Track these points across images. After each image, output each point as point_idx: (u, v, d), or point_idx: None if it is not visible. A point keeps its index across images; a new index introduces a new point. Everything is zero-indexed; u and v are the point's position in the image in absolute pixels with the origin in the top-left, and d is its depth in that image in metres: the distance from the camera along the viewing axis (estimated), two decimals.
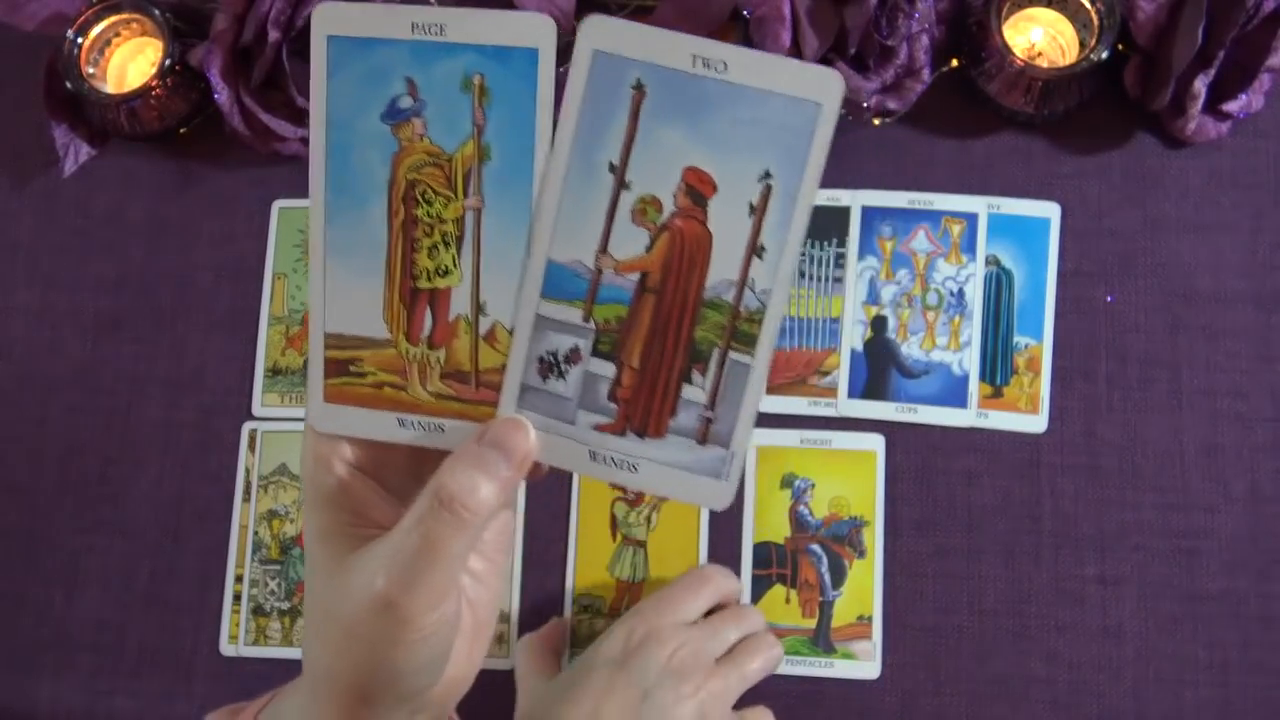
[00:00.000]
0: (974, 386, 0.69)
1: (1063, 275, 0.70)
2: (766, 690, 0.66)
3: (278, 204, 0.74)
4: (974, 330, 0.69)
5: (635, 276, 0.38)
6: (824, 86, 0.36)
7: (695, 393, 0.38)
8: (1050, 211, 0.70)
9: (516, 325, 0.38)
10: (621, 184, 0.37)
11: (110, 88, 0.74)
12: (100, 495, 0.72)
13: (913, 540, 0.67)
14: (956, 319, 0.69)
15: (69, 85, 0.72)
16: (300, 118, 0.72)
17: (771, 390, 0.69)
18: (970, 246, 0.70)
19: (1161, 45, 0.67)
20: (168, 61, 0.72)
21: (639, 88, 0.36)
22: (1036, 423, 0.68)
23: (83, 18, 0.72)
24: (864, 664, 0.66)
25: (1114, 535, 0.67)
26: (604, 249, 0.37)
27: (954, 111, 0.72)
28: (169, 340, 0.73)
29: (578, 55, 0.37)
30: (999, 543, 0.67)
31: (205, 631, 0.69)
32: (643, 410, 0.38)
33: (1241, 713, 0.64)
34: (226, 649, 0.69)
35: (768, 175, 0.36)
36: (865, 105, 0.69)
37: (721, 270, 0.37)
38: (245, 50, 0.71)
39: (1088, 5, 0.69)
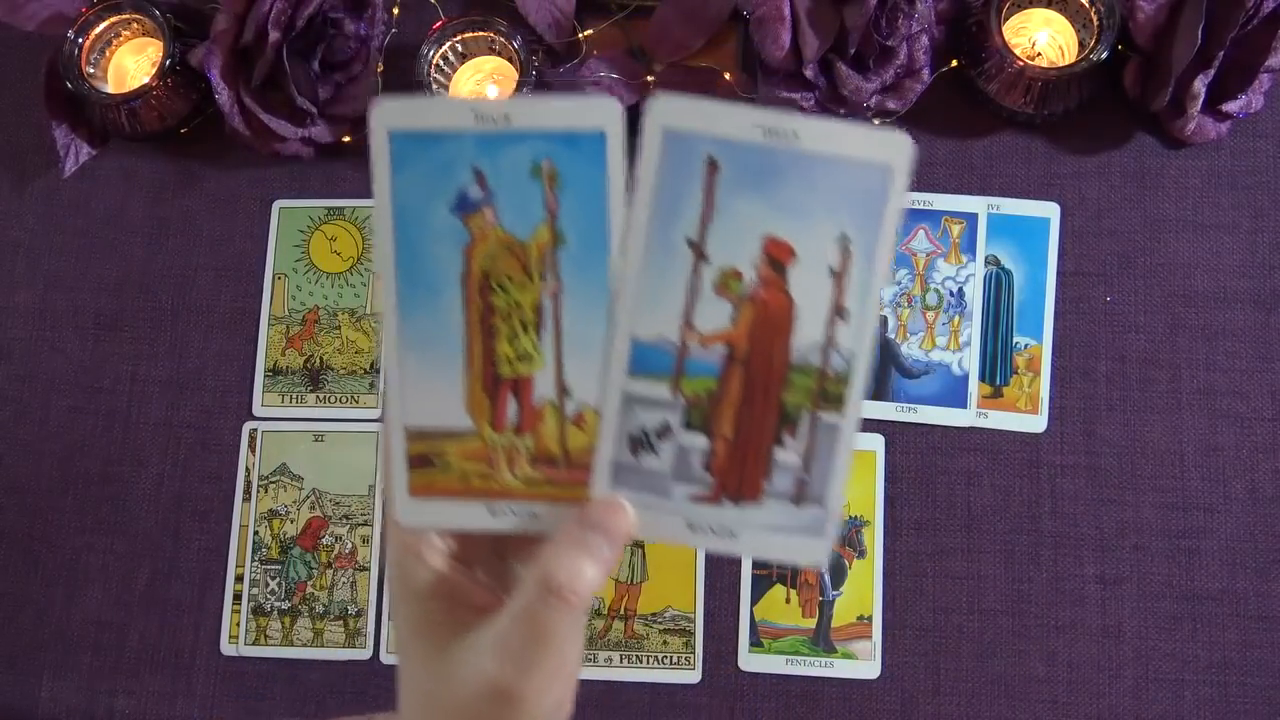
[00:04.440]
0: (974, 386, 0.69)
1: (1062, 275, 0.70)
2: (767, 689, 0.66)
3: (278, 204, 0.74)
4: (974, 330, 0.69)
5: (721, 348, 0.38)
6: (893, 149, 0.36)
7: (788, 456, 0.38)
8: (1050, 211, 0.70)
9: (604, 405, 0.38)
10: (700, 258, 0.37)
11: (110, 88, 0.74)
12: (100, 495, 0.72)
13: (912, 540, 0.67)
14: (956, 319, 0.69)
15: (69, 85, 0.72)
16: (300, 118, 0.72)
17: None
18: (970, 246, 0.70)
19: (1161, 46, 0.67)
20: (168, 61, 0.72)
21: (711, 163, 0.37)
22: (1036, 423, 0.68)
23: (83, 18, 0.72)
24: (864, 664, 0.66)
25: (1113, 535, 0.67)
26: (688, 323, 0.38)
27: (954, 111, 0.72)
28: (169, 340, 0.73)
29: (648, 135, 0.37)
30: (999, 542, 0.67)
31: (205, 631, 0.69)
32: (738, 478, 0.38)
33: (1241, 713, 0.64)
34: (226, 649, 0.69)
35: (845, 239, 0.37)
36: (865, 105, 0.69)
37: (806, 335, 0.37)
38: (245, 50, 0.71)
39: (1088, 5, 0.69)
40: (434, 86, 0.71)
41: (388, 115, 0.37)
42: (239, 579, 0.70)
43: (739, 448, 0.38)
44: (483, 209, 0.37)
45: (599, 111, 0.37)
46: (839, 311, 0.37)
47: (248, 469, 0.71)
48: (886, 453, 0.68)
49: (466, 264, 0.38)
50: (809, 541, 0.38)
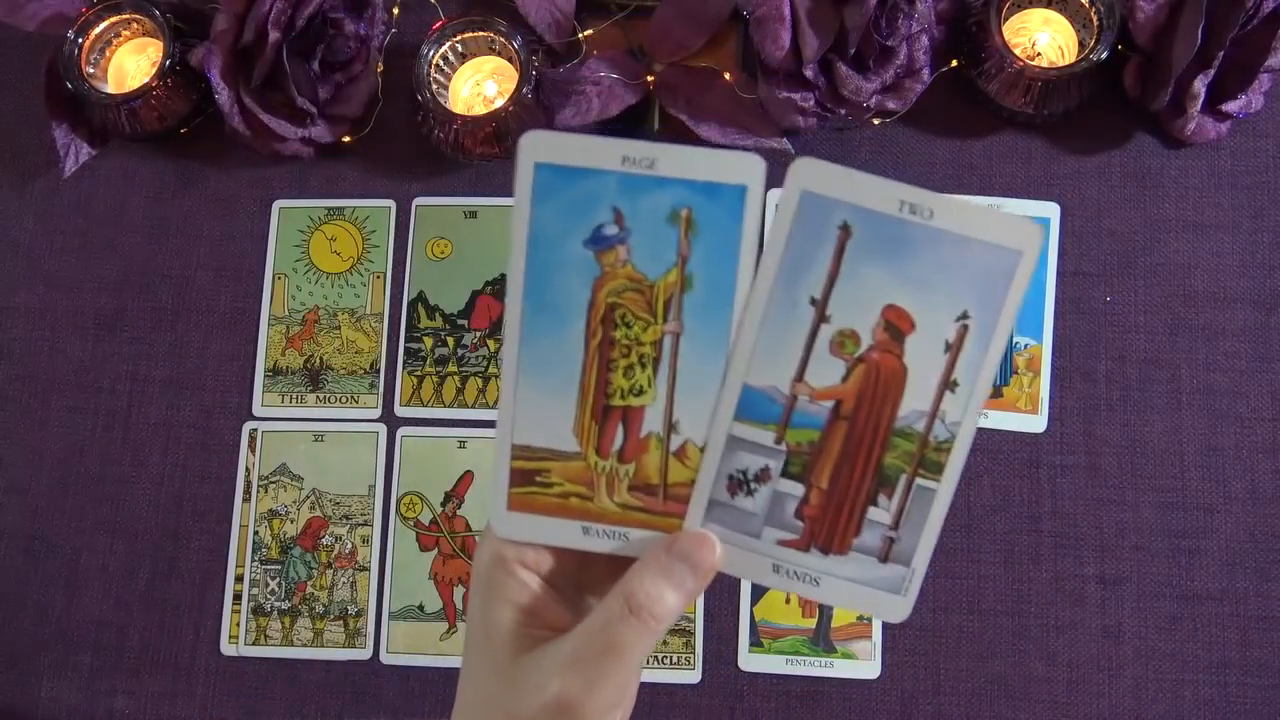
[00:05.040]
0: None
1: (1063, 275, 0.70)
2: (767, 689, 0.66)
3: (278, 204, 0.74)
4: None
5: (829, 404, 0.39)
6: (1027, 237, 0.37)
7: (880, 514, 0.39)
8: (1050, 211, 0.70)
9: (709, 444, 0.39)
10: (822, 317, 0.39)
11: (110, 88, 0.74)
12: (100, 495, 0.72)
13: None
14: None
15: (69, 85, 0.72)
16: (300, 118, 0.72)
17: None
18: None
19: (1161, 46, 0.67)
20: (168, 61, 0.72)
21: (845, 228, 0.38)
22: (1036, 423, 0.68)
23: (83, 18, 0.72)
24: (864, 664, 0.66)
25: (1113, 535, 0.67)
26: (800, 377, 0.39)
27: (954, 111, 0.72)
28: (169, 340, 0.73)
29: (787, 194, 0.38)
30: (999, 542, 0.67)
31: (205, 631, 0.69)
32: (828, 529, 0.40)
33: (1241, 713, 0.64)
34: (226, 649, 0.69)
35: (965, 316, 0.38)
36: (865, 105, 0.69)
37: (914, 402, 0.39)
38: (245, 50, 0.71)
39: (1088, 5, 0.69)
40: (434, 86, 0.71)
41: (536, 147, 0.39)
42: (239, 579, 0.70)
43: (833, 500, 0.39)
44: (616, 246, 0.39)
45: (744, 167, 0.38)
46: (949, 384, 0.38)
47: (248, 469, 0.71)
48: None
49: (593, 296, 0.39)
50: (889, 598, 0.40)
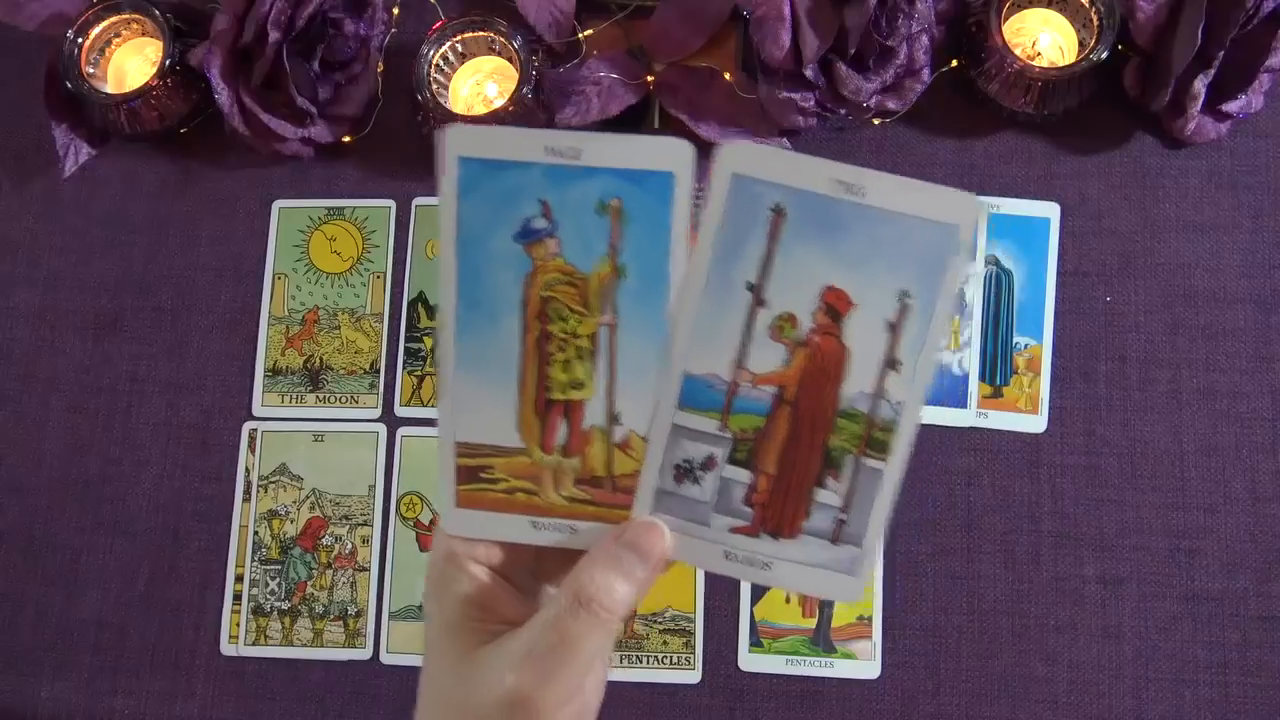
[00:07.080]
0: (974, 386, 0.69)
1: (1062, 275, 0.70)
2: (767, 689, 0.66)
3: (278, 204, 0.74)
4: (974, 330, 0.69)
5: (771, 389, 0.39)
6: (962, 210, 0.37)
7: (829, 497, 0.39)
8: (1050, 211, 0.70)
9: (652, 434, 0.39)
10: (759, 302, 0.38)
11: (110, 88, 0.74)
12: (100, 495, 0.72)
13: (912, 540, 0.67)
14: (956, 319, 0.69)
15: (69, 85, 0.72)
16: (300, 118, 0.72)
17: None
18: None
19: (1161, 46, 0.67)
20: (168, 61, 0.72)
21: (778, 210, 0.37)
22: (1036, 423, 0.68)
23: (83, 18, 0.72)
24: (864, 664, 0.66)
25: (1114, 535, 0.67)
26: (740, 363, 0.39)
27: (954, 111, 0.72)
28: (169, 340, 0.73)
29: (716, 178, 0.38)
30: (998, 542, 0.67)
31: (205, 631, 0.69)
32: (777, 513, 0.40)
33: (1241, 713, 0.64)
34: (226, 649, 0.69)
35: (905, 294, 0.37)
36: (865, 105, 0.69)
37: (857, 383, 0.38)
38: (245, 50, 0.71)
39: (1088, 5, 0.69)
40: (434, 86, 0.71)
41: (459, 140, 0.38)
42: (239, 579, 0.70)
43: (781, 485, 0.39)
44: (546, 239, 0.39)
45: (670, 153, 0.37)
46: (891, 363, 0.38)
47: (248, 469, 0.71)
48: None
49: (526, 291, 0.39)
50: (842, 579, 0.39)
